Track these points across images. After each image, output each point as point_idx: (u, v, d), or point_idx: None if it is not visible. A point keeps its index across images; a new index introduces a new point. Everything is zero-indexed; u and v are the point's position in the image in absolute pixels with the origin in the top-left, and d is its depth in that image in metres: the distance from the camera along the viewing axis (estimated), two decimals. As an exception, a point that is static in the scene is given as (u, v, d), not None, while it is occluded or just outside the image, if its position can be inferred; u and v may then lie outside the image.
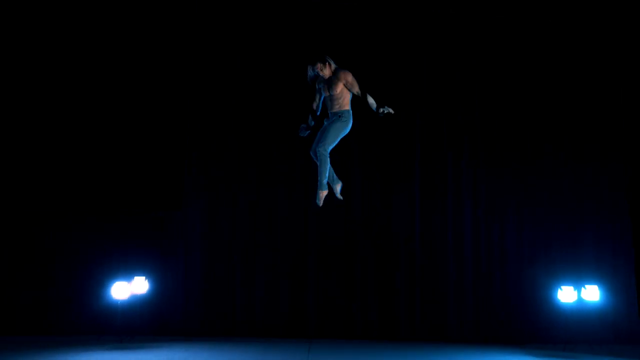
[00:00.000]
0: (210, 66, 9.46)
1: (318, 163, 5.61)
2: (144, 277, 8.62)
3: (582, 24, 9.50)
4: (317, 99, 5.85)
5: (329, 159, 5.49)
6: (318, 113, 5.86)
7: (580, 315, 8.73)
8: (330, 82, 5.57)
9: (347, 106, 5.55)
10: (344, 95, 5.54)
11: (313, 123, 5.80)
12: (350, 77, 5.51)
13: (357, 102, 5.91)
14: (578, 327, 8.72)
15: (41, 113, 9.19)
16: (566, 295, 8.63)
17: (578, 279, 8.88)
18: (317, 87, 5.81)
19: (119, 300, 8.48)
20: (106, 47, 9.36)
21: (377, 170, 9.42)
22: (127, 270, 8.70)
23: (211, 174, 9.36)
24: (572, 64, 9.51)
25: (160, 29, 9.43)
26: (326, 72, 5.52)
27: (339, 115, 5.46)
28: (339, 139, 5.62)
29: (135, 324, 8.62)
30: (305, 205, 9.34)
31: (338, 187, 5.65)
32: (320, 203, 5.55)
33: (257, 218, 9.30)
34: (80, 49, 9.32)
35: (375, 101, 5.59)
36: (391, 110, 5.43)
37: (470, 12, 9.48)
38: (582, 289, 8.66)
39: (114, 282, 8.49)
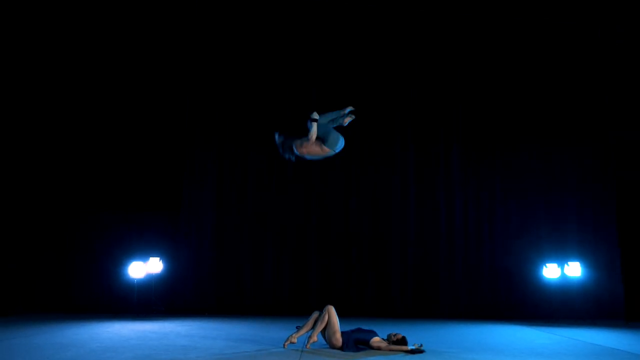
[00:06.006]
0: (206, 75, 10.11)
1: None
2: (158, 258, 9.25)
3: (559, 30, 10.34)
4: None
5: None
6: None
7: (564, 291, 9.39)
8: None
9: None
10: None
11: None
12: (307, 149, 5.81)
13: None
14: (562, 302, 9.38)
15: (72, 132, 10.15)
16: (550, 271, 9.28)
17: (562, 257, 9.55)
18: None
19: (135, 279, 9.12)
20: (105, 65, 10.17)
21: (373, 160, 10.10)
22: (143, 252, 9.35)
23: (220, 160, 10.00)
24: (551, 58, 10.32)
25: (162, 34, 10.17)
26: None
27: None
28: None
29: (150, 301, 9.25)
30: (307, 194, 10.00)
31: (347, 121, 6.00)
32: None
33: (263, 206, 9.93)
34: (80, 73, 10.19)
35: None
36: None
37: (458, 16, 10.26)
38: (565, 265, 9.30)
39: (130, 263, 9.14)
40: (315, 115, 5.67)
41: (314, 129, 5.62)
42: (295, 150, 5.79)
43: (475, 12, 10.18)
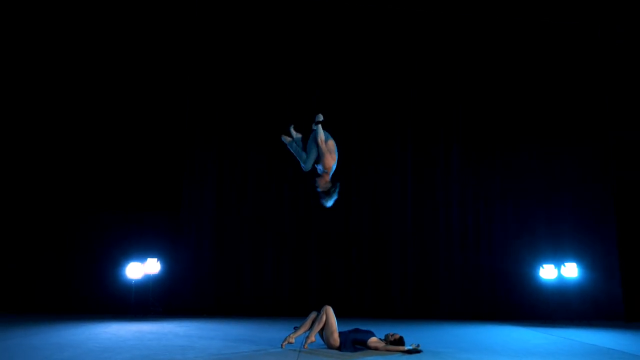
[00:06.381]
0: (207, 74, 10.11)
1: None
2: (156, 259, 9.26)
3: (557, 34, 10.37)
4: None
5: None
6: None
7: (561, 292, 9.42)
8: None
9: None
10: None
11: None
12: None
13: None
14: (559, 302, 9.41)
15: (73, 132, 10.15)
16: (547, 272, 9.32)
17: (559, 257, 9.59)
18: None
19: (133, 280, 9.13)
20: (105, 65, 10.17)
21: (374, 160, 10.10)
22: (142, 252, 9.36)
23: (219, 160, 10.00)
24: (551, 58, 10.35)
25: (162, 34, 10.18)
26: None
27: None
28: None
29: (148, 302, 9.26)
30: (307, 194, 10.00)
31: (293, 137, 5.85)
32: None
33: (263, 207, 9.94)
34: (79, 70, 10.19)
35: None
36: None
37: (458, 16, 10.28)
38: (562, 266, 9.34)
39: (129, 263, 9.15)
40: (320, 117, 5.70)
41: (321, 130, 5.62)
42: (327, 175, 5.68)
43: (475, 12, 10.20)
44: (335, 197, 5.74)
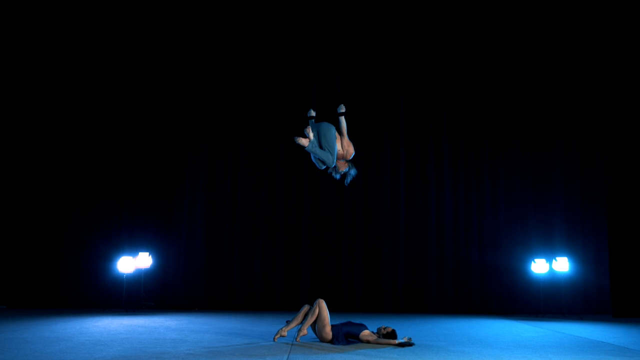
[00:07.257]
0: (209, 61, 10.05)
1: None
2: (147, 253, 9.21)
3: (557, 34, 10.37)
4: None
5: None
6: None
7: (552, 286, 9.48)
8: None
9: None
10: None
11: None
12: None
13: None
14: (550, 297, 9.47)
15: (58, 115, 9.88)
16: (539, 267, 9.37)
17: (550, 252, 9.65)
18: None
19: (124, 274, 9.08)
20: (109, 47, 9.95)
21: (365, 156, 10.10)
22: (133, 247, 9.32)
23: (211, 154, 9.95)
24: (547, 56, 10.35)
25: (161, 23, 10.00)
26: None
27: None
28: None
29: (139, 296, 9.22)
30: (301, 188, 10.00)
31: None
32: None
33: (256, 198, 9.91)
34: (83, 50, 9.96)
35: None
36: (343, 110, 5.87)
37: (453, 16, 10.24)
38: (554, 260, 9.40)
39: (120, 257, 9.10)
40: (343, 108, 5.84)
41: (344, 122, 5.82)
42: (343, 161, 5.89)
43: (474, 12, 10.11)
44: (354, 170, 5.98)
